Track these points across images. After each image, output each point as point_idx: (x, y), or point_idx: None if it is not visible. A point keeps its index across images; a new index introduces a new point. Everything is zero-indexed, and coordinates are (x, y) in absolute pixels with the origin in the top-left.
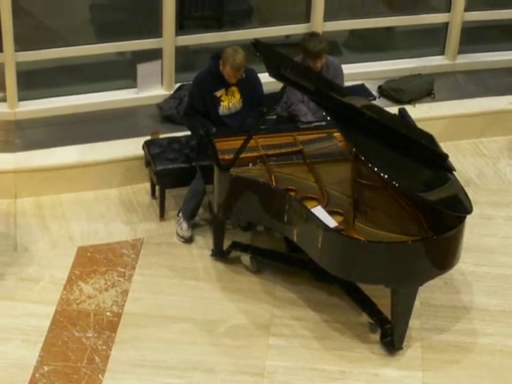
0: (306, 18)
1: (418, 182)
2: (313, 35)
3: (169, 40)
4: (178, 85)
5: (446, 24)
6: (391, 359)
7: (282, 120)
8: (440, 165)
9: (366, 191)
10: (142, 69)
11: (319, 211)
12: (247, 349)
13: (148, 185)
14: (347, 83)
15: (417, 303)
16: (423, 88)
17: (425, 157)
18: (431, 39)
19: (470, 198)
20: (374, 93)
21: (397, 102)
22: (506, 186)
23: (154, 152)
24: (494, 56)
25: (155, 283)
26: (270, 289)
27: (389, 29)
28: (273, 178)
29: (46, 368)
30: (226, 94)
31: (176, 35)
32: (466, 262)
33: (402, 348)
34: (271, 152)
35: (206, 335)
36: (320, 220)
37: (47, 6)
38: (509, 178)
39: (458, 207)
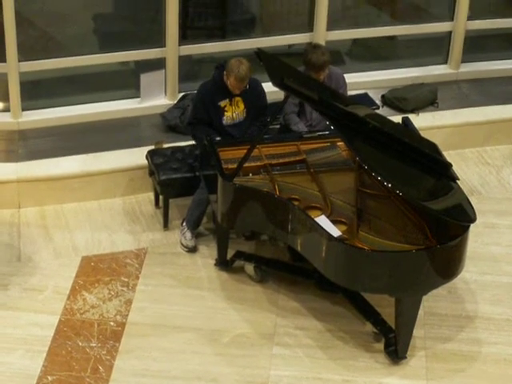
0: (309, 27)
1: (422, 191)
2: (315, 47)
3: (172, 49)
4: (181, 94)
5: (449, 33)
6: (395, 368)
7: (286, 129)
8: (443, 174)
9: (369, 200)
10: (146, 78)
11: (323, 220)
12: (251, 358)
13: (152, 194)
14: (351, 92)
15: (421, 312)
16: (426, 97)
17: (428, 166)
18: (434, 48)
19: (474, 206)
20: (378, 102)
21: (400, 110)
22: (509, 194)
23: (158, 162)
24: (497, 65)
25: (159, 293)
26: (273, 298)
27: (392, 38)
28: (276, 187)
29: (49, 378)
30: (230, 105)
31: (179, 45)
32: (470, 270)
33: (406, 357)
34: (275, 161)
35: (209, 345)
36: (324, 229)
37: (50, 16)
38: None
39: (461, 216)
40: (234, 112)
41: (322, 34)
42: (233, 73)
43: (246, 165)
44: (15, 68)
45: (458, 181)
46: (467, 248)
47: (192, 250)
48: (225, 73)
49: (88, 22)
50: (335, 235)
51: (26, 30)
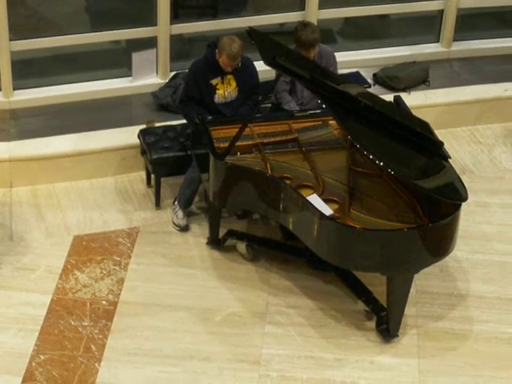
0: (301, 5)
1: (414, 170)
2: (305, 25)
3: (164, 28)
4: (173, 73)
5: (441, 11)
6: (387, 347)
7: (277, 108)
8: (435, 152)
9: (361, 179)
10: (137, 57)
11: (315, 199)
12: (243, 337)
13: (143, 173)
14: (342, 71)
15: (412, 290)
16: (418, 75)
17: (420, 144)
18: (426, 27)
19: (466, 185)
20: (369, 80)
21: (392, 89)
22: (501, 173)
23: (150, 141)
24: (489, 43)
25: (151, 272)
26: (265, 277)
27: (384, 16)
28: (268, 166)
29: (42, 357)
30: (222, 83)
31: (171, 23)
32: (462, 249)
33: (397, 335)
34: (266, 140)
35: (201, 324)
36: (315, 208)
37: None
38: (504, 166)
39: (453, 194)
40: (225, 90)
41: (314, 13)
42: (225, 51)
43: (238, 143)
44: (6, 47)
45: (449, 159)
46: (459, 227)
47: (184, 228)
48: (217, 51)
49: (79, 1)
50: (327, 214)
51: (18, 9)
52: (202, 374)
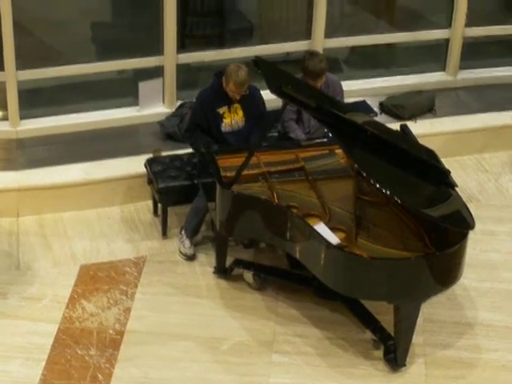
0: (307, 34)
1: (421, 198)
2: (313, 54)
3: (170, 58)
4: (179, 102)
5: (447, 40)
6: (395, 376)
7: (284, 137)
8: (442, 181)
9: (368, 208)
10: (144, 87)
11: (321, 228)
12: (250, 366)
13: (150, 202)
14: (349, 99)
15: (420, 319)
16: (424, 104)
17: (427, 173)
18: (432, 55)
19: (473, 213)
20: (376, 109)
21: (398, 118)
22: (508, 201)
23: (156, 170)
24: (495, 72)
25: (158, 301)
26: (272, 306)
27: (389, 45)
28: (275, 194)
29: None
30: (229, 111)
31: (177, 53)
32: (469, 277)
33: (405, 364)
34: (273, 169)
35: (208, 353)
36: (322, 237)
37: (49, 25)
38: (511, 194)
39: (460, 223)
40: (232, 119)
41: (320, 42)
42: (232, 78)
43: (245, 172)
44: (13, 76)
45: (456, 188)
46: (466, 255)
47: (191, 258)
48: (224, 79)
49: (86, 31)
50: (334, 243)
51: (25, 39)
52: None
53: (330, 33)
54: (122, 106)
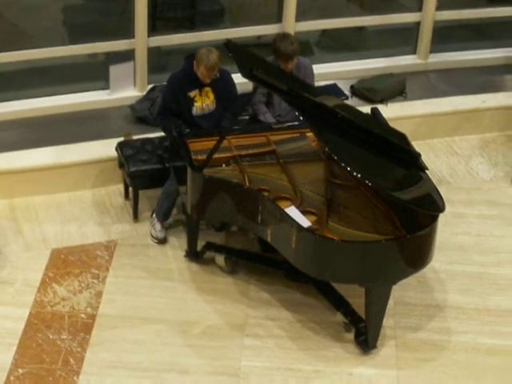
0: (278, 18)
1: (391, 181)
2: (284, 36)
3: (141, 41)
4: (150, 86)
5: (418, 23)
6: (366, 358)
7: (254, 119)
8: (413, 164)
9: (339, 191)
10: (115, 70)
11: (293, 211)
12: (222, 349)
13: (121, 186)
14: (320, 83)
15: (391, 302)
16: (395, 87)
17: (397, 156)
18: (403, 39)
19: (443, 196)
20: (347, 92)
21: (369, 101)
22: (478, 184)
23: (128, 153)
24: (465, 55)
25: (129, 285)
26: (244, 289)
27: (360, 28)
28: (246, 178)
29: (20, 371)
30: (200, 95)
31: (148, 36)
32: (440, 260)
33: (376, 347)
34: (244, 152)
35: (180, 336)
36: (293, 220)
37: (19, 8)
38: (481, 177)
39: (430, 206)
40: (203, 102)
41: (291, 25)
42: (202, 61)
43: (216, 156)
44: None
45: (427, 171)
46: (436, 238)
47: (162, 241)
48: (195, 62)
49: (57, 14)
50: (305, 226)
51: None
52: None
53: (301, 16)
54: (93, 89)
